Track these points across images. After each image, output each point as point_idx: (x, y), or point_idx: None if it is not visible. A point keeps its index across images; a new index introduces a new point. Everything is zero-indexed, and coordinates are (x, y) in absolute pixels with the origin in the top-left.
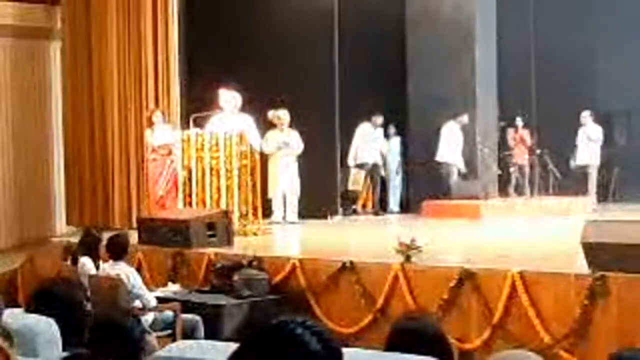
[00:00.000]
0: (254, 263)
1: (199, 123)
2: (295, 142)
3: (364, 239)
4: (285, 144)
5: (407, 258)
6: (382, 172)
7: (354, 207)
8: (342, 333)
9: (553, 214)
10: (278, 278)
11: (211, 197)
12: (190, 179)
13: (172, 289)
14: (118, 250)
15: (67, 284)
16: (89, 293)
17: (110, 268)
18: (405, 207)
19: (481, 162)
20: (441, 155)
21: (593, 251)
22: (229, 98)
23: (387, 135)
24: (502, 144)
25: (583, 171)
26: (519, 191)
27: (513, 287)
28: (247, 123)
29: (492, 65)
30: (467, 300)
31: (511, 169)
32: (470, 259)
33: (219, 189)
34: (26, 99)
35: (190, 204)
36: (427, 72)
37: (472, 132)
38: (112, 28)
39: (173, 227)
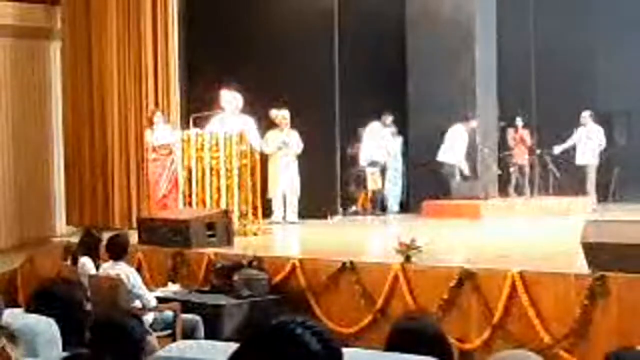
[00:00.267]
0: (254, 263)
1: (199, 123)
2: (295, 142)
3: (364, 239)
4: (285, 144)
5: (407, 258)
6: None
7: (354, 208)
8: (342, 333)
9: (553, 214)
10: (278, 278)
11: (211, 197)
12: (190, 179)
13: (172, 289)
14: (118, 250)
15: (67, 284)
16: (89, 293)
17: (110, 268)
18: (405, 207)
19: (481, 162)
20: (443, 156)
21: (593, 251)
22: (230, 99)
23: None
24: (502, 144)
25: (582, 171)
26: (519, 191)
27: (513, 287)
28: (247, 124)
29: (492, 65)
30: (467, 300)
31: (511, 169)
32: (470, 259)
33: (219, 189)
34: (26, 98)
35: (190, 204)
36: (427, 72)
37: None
38: (112, 28)
39: (173, 227)
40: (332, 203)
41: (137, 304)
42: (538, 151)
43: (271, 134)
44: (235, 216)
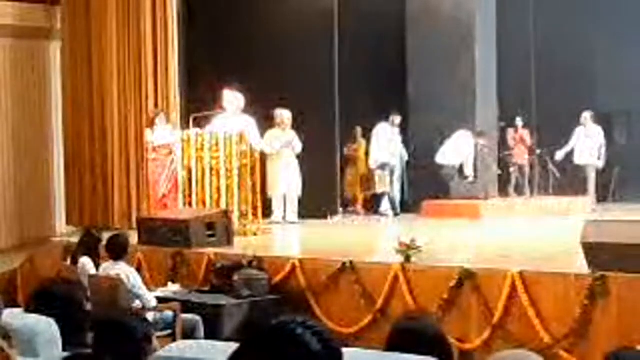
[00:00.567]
0: (254, 263)
1: (199, 123)
2: (295, 142)
3: (364, 239)
4: (287, 144)
5: (407, 258)
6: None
7: (352, 208)
8: (342, 333)
9: (553, 214)
10: (278, 278)
11: (211, 197)
12: (190, 179)
13: (172, 289)
14: (118, 250)
15: (67, 284)
16: (89, 293)
17: (110, 268)
18: (405, 207)
19: (481, 162)
20: (442, 158)
21: (593, 251)
22: (232, 99)
23: None
24: (502, 144)
25: (582, 171)
26: (519, 191)
27: (513, 287)
28: (248, 124)
29: (492, 65)
30: (467, 300)
31: (511, 169)
32: (470, 259)
33: (219, 189)
34: (26, 98)
35: (190, 204)
36: (427, 72)
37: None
38: (112, 28)
39: (173, 227)
40: (332, 203)
41: (137, 304)
42: (538, 151)
43: (272, 133)
44: (235, 216)
